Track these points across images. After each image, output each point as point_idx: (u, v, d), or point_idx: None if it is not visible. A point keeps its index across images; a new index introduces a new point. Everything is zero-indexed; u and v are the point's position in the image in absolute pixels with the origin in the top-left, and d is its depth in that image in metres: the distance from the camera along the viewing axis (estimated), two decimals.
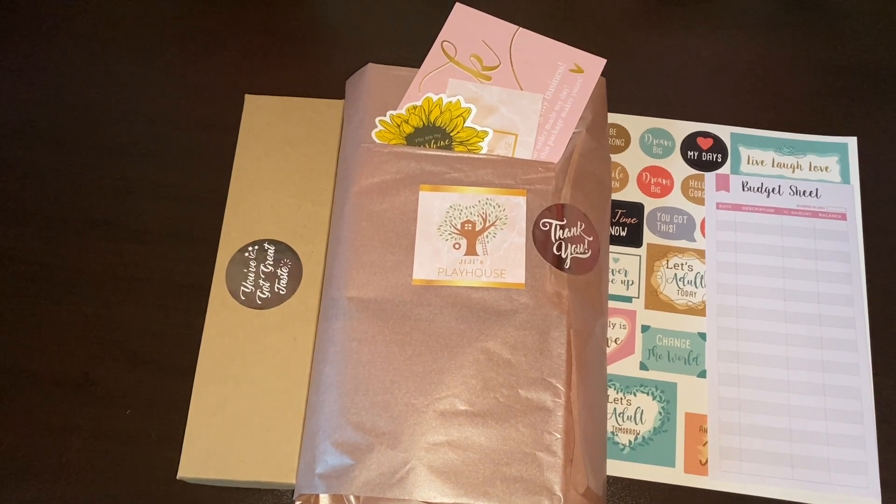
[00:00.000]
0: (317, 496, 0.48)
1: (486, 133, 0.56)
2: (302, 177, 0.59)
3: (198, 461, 0.51)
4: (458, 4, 0.60)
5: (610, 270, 0.60)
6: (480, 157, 0.55)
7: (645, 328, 0.59)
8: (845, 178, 0.63)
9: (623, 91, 0.66)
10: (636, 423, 0.56)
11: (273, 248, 0.57)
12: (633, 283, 0.60)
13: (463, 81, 0.58)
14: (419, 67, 0.58)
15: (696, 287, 0.60)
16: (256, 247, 0.57)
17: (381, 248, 0.53)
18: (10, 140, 0.66)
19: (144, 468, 0.56)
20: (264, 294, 0.55)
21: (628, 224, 0.62)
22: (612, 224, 0.62)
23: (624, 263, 0.61)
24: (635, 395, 0.57)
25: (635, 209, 0.62)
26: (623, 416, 0.56)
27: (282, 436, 0.52)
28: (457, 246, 0.53)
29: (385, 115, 0.56)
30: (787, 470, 0.55)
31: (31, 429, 0.57)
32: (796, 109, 0.66)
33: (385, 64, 0.59)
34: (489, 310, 0.51)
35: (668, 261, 0.61)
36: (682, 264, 0.61)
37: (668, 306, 0.59)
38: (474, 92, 0.57)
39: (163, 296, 0.60)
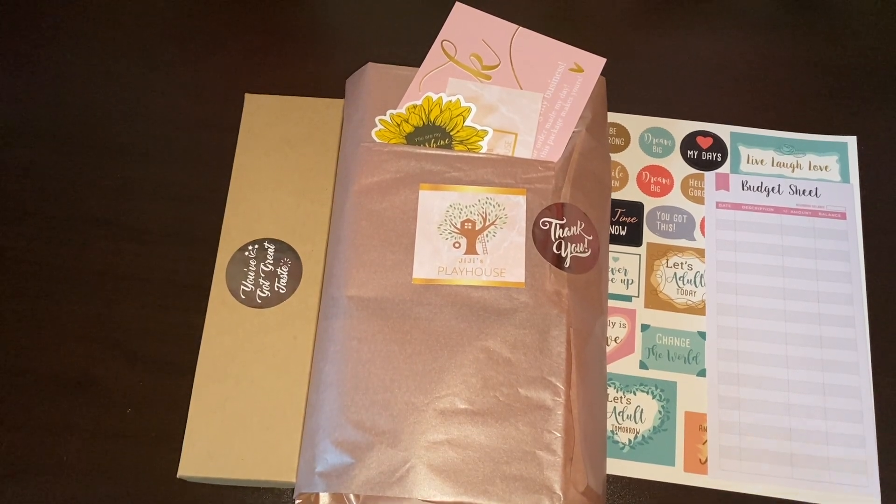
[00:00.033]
0: (317, 495, 0.48)
1: (485, 132, 0.56)
2: (302, 176, 0.59)
3: (198, 460, 0.51)
4: (457, 4, 0.60)
5: (610, 269, 0.60)
6: (480, 156, 0.55)
7: (645, 327, 0.59)
8: (845, 178, 0.63)
9: (623, 90, 0.66)
10: (636, 422, 0.56)
11: (273, 247, 0.57)
12: (632, 282, 0.60)
13: (463, 81, 0.58)
14: (419, 67, 0.58)
15: (695, 286, 0.60)
16: (256, 246, 0.57)
17: (381, 247, 0.53)
18: (10, 140, 0.66)
19: (145, 467, 0.56)
20: (264, 293, 0.55)
21: (628, 223, 0.62)
22: (612, 223, 0.62)
23: (624, 262, 0.61)
24: (635, 393, 0.57)
25: (635, 208, 0.62)
26: (623, 415, 0.57)
27: (282, 434, 0.52)
28: (457, 245, 0.53)
29: (385, 115, 0.56)
30: (787, 469, 0.55)
31: (31, 428, 0.57)
32: (796, 109, 0.67)
33: (385, 63, 0.59)
34: (489, 309, 0.51)
35: (667, 260, 0.61)
36: (681, 263, 0.61)
37: (668, 305, 0.59)
38: (474, 91, 0.57)
39: (163, 295, 0.60)
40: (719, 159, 0.64)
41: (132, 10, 0.71)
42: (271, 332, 0.54)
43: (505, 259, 0.52)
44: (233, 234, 0.57)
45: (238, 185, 0.59)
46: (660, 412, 0.56)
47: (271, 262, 0.56)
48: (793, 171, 0.63)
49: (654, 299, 0.60)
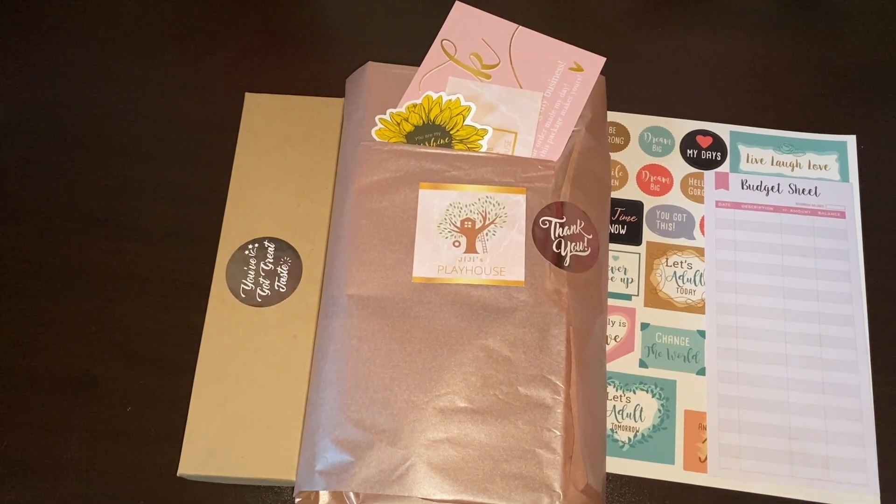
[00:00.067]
0: (317, 493, 0.48)
1: (485, 131, 0.56)
2: (302, 175, 0.59)
3: (198, 458, 0.51)
4: (457, 3, 0.60)
5: (609, 268, 0.60)
6: (480, 155, 0.55)
7: (644, 326, 0.59)
8: (844, 177, 0.63)
9: (623, 90, 0.67)
10: (635, 421, 0.56)
11: (273, 246, 0.57)
12: (632, 280, 0.60)
13: (463, 80, 0.58)
14: (419, 66, 0.58)
15: (695, 285, 0.60)
16: (256, 245, 0.57)
17: (381, 246, 0.53)
18: (10, 140, 0.66)
19: (145, 466, 0.56)
20: (264, 292, 0.55)
21: (628, 222, 0.62)
22: (612, 222, 0.62)
23: (623, 261, 0.61)
24: (635, 392, 0.57)
25: (635, 207, 0.62)
26: (622, 414, 0.57)
27: (282, 433, 0.52)
28: (457, 244, 0.53)
29: (385, 114, 0.56)
30: (787, 467, 0.55)
31: (31, 427, 0.57)
32: (795, 108, 0.67)
33: (385, 62, 0.59)
34: (489, 307, 0.51)
35: (667, 259, 0.61)
36: (681, 262, 0.61)
37: (668, 304, 0.59)
38: (474, 90, 0.57)
39: (163, 294, 0.60)
40: (719, 158, 0.64)
41: (132, 9, 0.71)
42: (271, 330, 0.54)
43: (505, 258, 0.52)
44: (233, 234, 0.57)
45: (238, 185, 0.59)
46: (659, 411, 0.56)
47: (271, 260, 0.56)
48: (792, 170, 0.64)
49: (654, 298, 0.60)
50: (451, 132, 0.56)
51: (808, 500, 0.54)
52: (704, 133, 0.65)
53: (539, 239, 0.53)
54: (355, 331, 0.51)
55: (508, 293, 0.52)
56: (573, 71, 0.58)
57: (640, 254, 0.61)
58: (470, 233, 0.53)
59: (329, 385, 0.50)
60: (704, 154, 0.64)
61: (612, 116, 0.66)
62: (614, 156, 0.64)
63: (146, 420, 0.57)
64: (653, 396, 0.57)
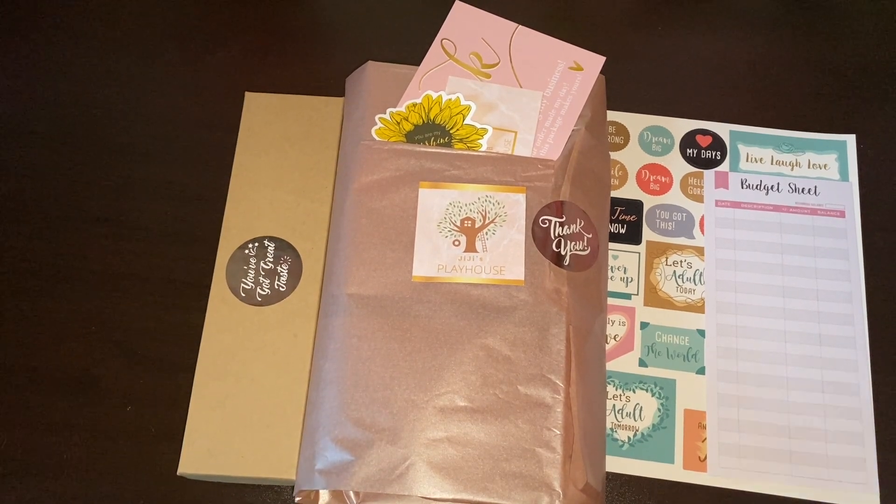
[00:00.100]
0: (317, 492, 0.48)
1: (485, 130, 0.56)
2: (302, 174, 0.59)
3: (198, 457, 0.51)
4: (457, 2, 0.61)
5: (609, 267, 0.60)
6: (480, 154, 0.55)
7: (644, 325, 0.59)
8: (844, 176, 0.63)
9: (622, 89, 0.67)
10: (635, 420, 0.56)
11: (273, 245, 0.57)
12: (632, 280, 0.60)
13: (462, 79, 0.58)
14: (419, 65, 0.58)
15: (695, 284, 0.60)
16: (256, 244, 0.57)
17: (381, 245, 0.53)
18: (10, 140, 0.66)
19: (145, 465, 0.56)
20: (264, 291, 0.55)
21: (627, 221, 0.62)
22: (612, 221, 0.62)
23: (623, 260, 0.61)
24: (634, 391, 0.57)
25: (634, 206, 0.63)
26: (622, 413, 0.57)
27: (282, 432, 0.52)
28: (456, 243, 0.53)
29: (385, 113, 0.56)
30: (786, 466, 0.55)
31: (31, 426, 0.57)
32: (795, 108, 0.67)
33: (385, 62, 0.59)
34: (489, 306, 0.51)
35: (667, 258, 0.61)
36: (681, 261, 0.61)
37: (668, 303, 0.59)
38: (474, 89, 0.57)
39: (163, 293, 0.60)
40: (718, 157, 0.64)
41: (132, 9, 0.71)
42: (271, 329, 0.54)
43: (504, 257, 0.52)
44: (233, 233, 0.57)
45: (238, 184, 0.59)
46: (659, 410, 0.57)
47: (271, 260, 0.56)
48: (792, 169, 0.64)
49: (654, 297, 0.60)
50: (451, 131, 0.56)
51: (808, 499, 0.54)
52: (704, 132, 0.65)
53: (539, 238, 0.53)
54: (355, 330, 0.51)
55: (508, 292, 0.52)
56: (573, 70, 0.58)
57: (639, 253, 0.61)
58: (470, 232, 0.53)
59: (329, 384, 0.50)
60: (704, 153, 0.64)
61: (612, 116, 0.66)
62: (614, 155, 0.64)
63: (146, 419, 0.57)
64: (652, 395, 0.57)
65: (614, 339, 0.59)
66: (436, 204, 0.54)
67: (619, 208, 0.62)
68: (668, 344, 0.58)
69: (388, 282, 0.52)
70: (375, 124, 0.56)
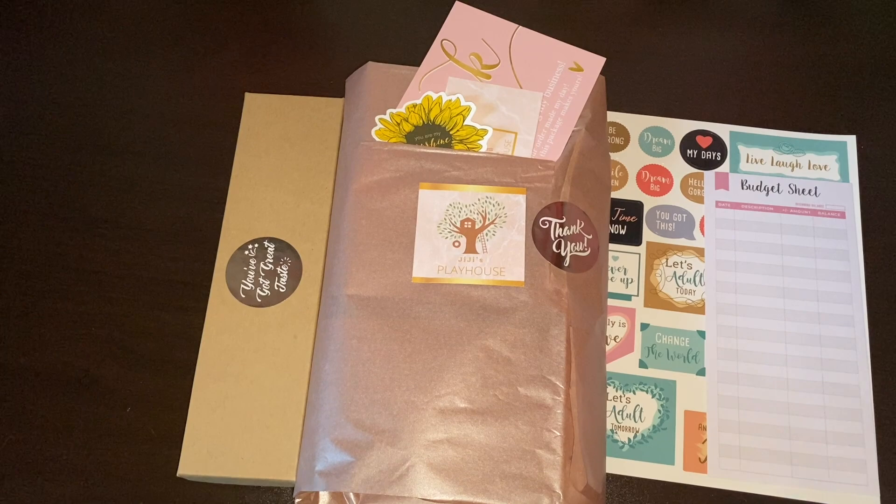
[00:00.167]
0: (317, 493, 0.48)
1: (485, 131, 0.56)
2: (302, 175, 0.59)
3: (198, 459, 0.51)
4: (457, 3, 0.60)
5: (609, 268, 0.60)
6: (480, 155, 0.55)
7: (644, 326, 0.59)
8: (844, 177, 0.63)
9: (622, 90, 0.67)
10: (635, 421, 0.56)
11: (273, 246, 0.57)
12: (632, 281, 0.60)
13: (463, 80, 0.58)
14: (419, 66, 0.58)
15: (695, 285, 0.60)
16: (256, 245, 0.57)
17: (381, 246, 0.53)
18: (9, 140, 0.66)
19: (145, 466, 0.56)
20: (264, 292, 0.55)
21: (628, 222, 0.62)
22: (612, 222, 0.62)
23: (623, 261, 0.61)
24: (635, 392, 0.57)
25: (635, 207, 0.62)
26: (622, 414, 0.57)
27: (282, 433, 0.52)
28: (456, 244, 0.53)
29: (385, 114, 0.56)
30: (787, 468, 0.55)
31: (31, 427, 0.57)
32: (796, 108, 0.67)
33: (385, 62, 0.59)
34: (489, 308, 0.51)
35: (667, 259, 0.61)
36: (681, 262, 0.61)
37: (668, 304, 0.59)
38: (474, 90, 0.57)
39: (163, 294, 0.60)
40: (719, 158, 0.64)
41: (132, 10, 0.71)
42: (271, 330, 0.54)
43: (504, 258, 0.52)
44: (233, 233, 0.57)
45: (238, 185, 0.59)
46: (659, 411, 0.56)
47: (271, 261, 0.56)
48: (792, 170, 0.64)
49: (654, 298, 0.60)
50: (451, 132, 0.56)
51: (808, 500, 0.54)
52: (704, 133, 0.65)
53: (539, 239, 0.53)
54: (355, 331, 0.51)
55: (508, 293, 0.51)
56: (573, 71, 0.58)
57: (639, 254, 0.61)
58: (470, 233, 0.53)
59: (329, 385, 0.50)
60: (704, 154, 0.64)
61: (612, 116, 0.66)
62: (614, 156, 0.64)
63: (146, 420, 0.57)
64: (653, 397, 0.57)
65: (614, 340, 0.59)
66: (436, 205, 0.54)
67: (620, 209, 0.62)
68: (668, 345, 0.58)
69: (388, 283, 0.52)
70: (375, 125, 0.56)
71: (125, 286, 0.61)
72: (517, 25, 0.60)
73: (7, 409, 0.57)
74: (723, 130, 0.65)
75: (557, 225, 0.53)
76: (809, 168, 0.64)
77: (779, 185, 0.63)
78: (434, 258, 0.52)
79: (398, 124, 0.56)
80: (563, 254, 0.53)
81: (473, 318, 0.51)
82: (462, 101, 0.57)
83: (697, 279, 0.60)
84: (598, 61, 0.59)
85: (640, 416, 0.56)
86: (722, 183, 0.63)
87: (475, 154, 0.55)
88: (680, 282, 0.60)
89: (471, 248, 0.53)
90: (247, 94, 0.62)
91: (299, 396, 0.53)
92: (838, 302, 0.59)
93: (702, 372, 0.57)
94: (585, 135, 0.56)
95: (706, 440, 0.56)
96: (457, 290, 0.52)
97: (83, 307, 0.60)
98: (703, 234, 0.61)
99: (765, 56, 0.69)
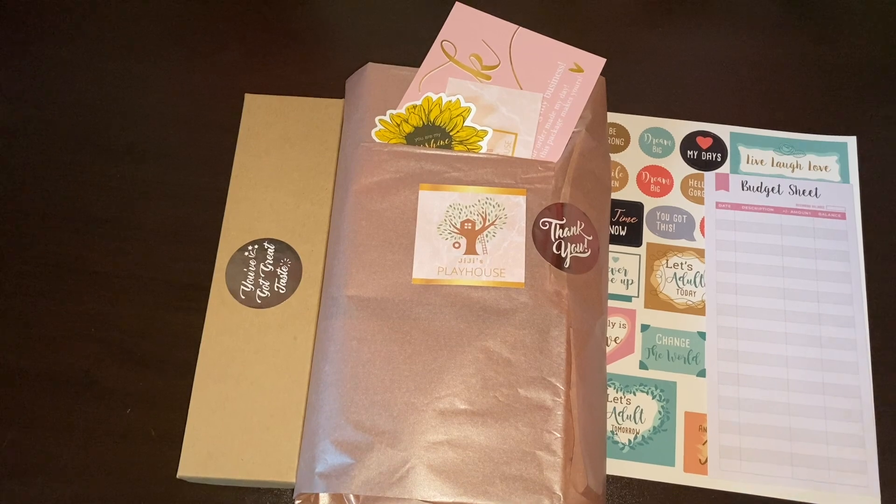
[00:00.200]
0: (316, 495, 0.48)
1: (485, 132, 0.56)
2: (302, 176, 0.59)
3: (198, 460, 0.51)
4: (457, 4, 0.60)
5: (609, 270, 0.60)
6: (480, 156, 0.55)
7: (644, 327, 0.59)
8: (845, 178, 0.63)
9: (623, 91, 0.66)
10: (636, 423, 0.56)
11: (273, 247, 0.57)
12: (632, 282, 0.60)
13: (463, 81, 0.58)
14: (419, 67, 0.58)
15: (695, 286, 0.60)
16: (256, 246, 0.57)
17: (381, 247, 0.53)
18: (10, 140, 0.66)
19: (144, 467, 0.56)
20: (264, 293, 0.55)
21: (628, 223, 0.62)
22: (612, 223, 0.62)
23: (623, 263, 0.61)
24: (635, 394, 0.57)
25: (635, 208, 0.62)
26: (623, 416, 0.57)
27: (282, 435, 0.52)
28: (456, 245, 0.53)
29: (385, 115, 0.56)
30: (787, 469, 0.55)
31: (30, 427, 0.57)
32: (796, 109, 0.67)
33: (385, 63, 0.59)
34: (489, 309, 0.51)
35: (667, 260, 0.61)
36: (681, 263, 0.61)
37: (668, 305, 0.59)
38: (474, 91, 0.57)
39: (163, 295, 0.60)
40: (719, 159, 0.64)
41: (132, 10, 0.71)
42: (271, 332, 0.54)
43: (505, 259, 0.52)
44: (233, 234, 0.57)
45: (238, 185, 0.59)
46: (660, 412, 0.56)
47: (271, 262, 0.56)
48: (793, 171, 0.63)
49: (654, 299, 0.60)
50: (451, 133, 0.56)
51: (809, 501, 0.54)
52: (705, 134, 0.65)
53: (539, 240, 0.53)
54: (355, 332, 0.51)
55: (508, 295, 0.51)
56: (573, 72, 0.58)
57: (640, 255, 0.61)
58: (470, 234, 0.53)
59: (329, 386, 0.50)
60: (705, 155, 0.64)
61: (613, 117, 0.66)
62: (614, 157, 0.64)
63: (146, 421, 0.57)
64: (653, 398, 0.57)
65: (615, 341, 0.59)
66: (436, 206, 0.54)
67: (620, 210, 0.62)
68: (668, 346, 0.58)
69: (388, 284, 0.52)
70: (375, 126, 0.56)
71: (125, 286, 0.61)
72: (517, 26, 0.59)
73: (7, 410, 0.57)
74: (723, 131, 0.65)
75: (558, 226, 0.53)
76: (810, 169, 0.64)
77: (779, 186, 0.63)
78: (434, 259, 0.52)
79: (398, 125, 0.56)
80: (563, 255, 0.53)
81: (473, 320, 0.51)
82: (462, 102, 0.57)
83: (698, 280, 0.60)
84: (599, 62, 0.59)
85: (641, 418, 0.56)
86: (722, 184, 0.63)
87: (475, 155, 0.55)
88: (680, 283, 0.60)
89: (471, 250, 0.53)
90: (247, 95, 0.62)
91: (299, 398, 0.53)
92: (839, 303, 0.59)
93: (702, 373, 0.57)
94: (586, 136, 0.56)
95: (706, 441, 0.56)
96: (457, 292, 0.52)
97: (83, 307, 0.60)
98: (703, 235, 0.61)
99: (765, 56, 0.69)
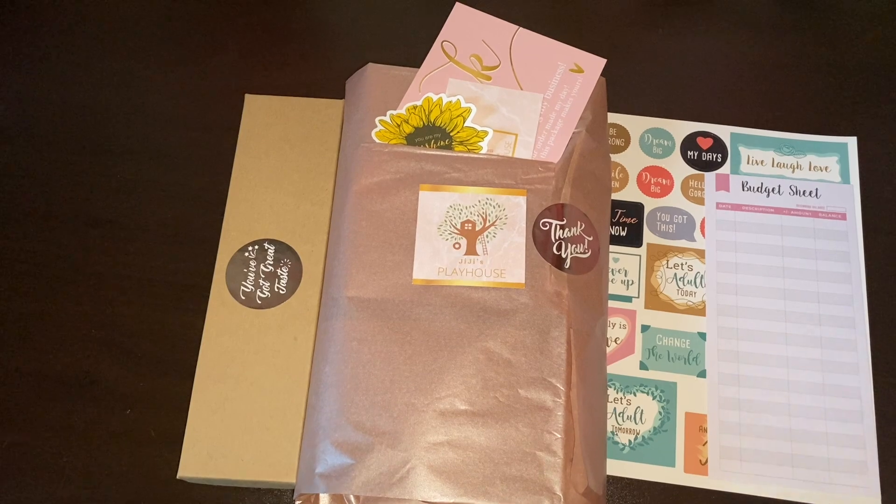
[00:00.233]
0: (317, 496, 0.48)
1: (486, 133, 0.56)
2: (302, 176, 0.59)
3: (198, 461, 0.51)
4: (458, 4, 0.60)
5: (610, 270, 0.60)
6: (480, 156, 0.55)
7: (645, 328, 0.59)
8: (845, 178, 0.63)
9: (623, 91, 0.66)
10: (636, 423, 0.56)
11: (273, 247, 0.57)
12: (632, 282, 0.60)
13: (463, 81, 0.58)
14: (419, 67, 0.58)
15: (695, 287, 0.60)
16: (256, 246, 0.57)
17: (381, 248, 0.53)
18: (10, 140, 0.66)
19: (145, 468, 0.56)
20: (264, 294, 0.55)
21: (628, 224, 0.62)
22: (612, 224, 0.62)
23: (624, 263, 0.61)
24: (635, 394, 0.57)
25: (635, 209, 0.62)
26: (623, 416, 0.56)
27: (282, 435, 0.52)
28: (457, 246, 0.53)
29: (385, 115, 0.56)
30: (787, 469, 0.55)
31: (31, 427, 0.57)
32: (796, 109, 0.66)
33: (385, 64, 0.59)
34: (489, 309, 0.51)
35: (667, 260, 0.61)
36: (681, 264, 0.61)
37: (668, 306, 0.59)
38: (474, 92, 0.57)
39: (163, 295, 0.60)
40: (719, 160, 0.64)
41: (133, 10, 0.71)
42: (271, 332, 0.54)
43: (505, 260, 0.52)
44: (233, 235, 0.57)
45: (238, 186, 0.59)
46: (660, 413, 0.56)
47: (271, 262, 0.56)
48: (793, 171, 0.63)
49: (655, 300, 0.60)
50: (452, 134, 0.56)
51: (809, 502, 0.54)
52: (705, 135, 0.65)
53: (539, 241, 0.53)
54: (355, 333, 0.51)
55: (509, 295, 0.51)
56: (573, 72, 0.58)
57: (640, 256, 0.61)
58: (470, 235, 0.53)
59: (329, 387, 0.50)
60: (705, 156, 0.64)
61: (613, 118, 0.66)
62: (615, 157, 0.64)
63: (146, 421, 0.57)
64: (653, 399, 0.57)
65: (615, 342, 0.59)
66: (436, 206, 0.54)
67: (620, 211, 0.62)
68: (668, 347, 0.58)
69: (389, 285, 0.52)
70: (375, 126, 0.56)
71: (125, 287, 0.61)
72: (517, 27, 0.59)
73: (7, 410, 0.57)
74: (723, 132, 0.65)
75: (558, 227, 0.53)
76: (810, 169, 0.64)
77: (779, 186, 0.63)
78: (434, 260, 0.52)
79: (398, 126, 0.56)
80: (563, 255, 0.53)
81: (474, 320, 0.51)
82: (462, 103, 0.57)
83: (698, 281, 0.60)
84: (599, 63, 0.59)
85: (641, 418, 0.56)
86: (723, 184, 0.63)
87: (475, 156, 0.55)
88: (680, 283, 0.60)
89: (471, 250, 0.53)
90: (247, 96, 0.61)
91: (299, 398, 0.53)
92: (839, 303, 0.59)
93: (702, 374, 0.57)
94: (586, 136, 0.56)
95: (707, 442, 0.56)
96: (457, 292, 0.52)
97: (83, 308, 0.60)
98: (703, 235, 0.61)
99: (765, 57, 0.69)
